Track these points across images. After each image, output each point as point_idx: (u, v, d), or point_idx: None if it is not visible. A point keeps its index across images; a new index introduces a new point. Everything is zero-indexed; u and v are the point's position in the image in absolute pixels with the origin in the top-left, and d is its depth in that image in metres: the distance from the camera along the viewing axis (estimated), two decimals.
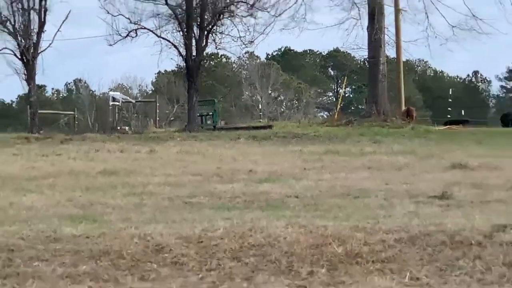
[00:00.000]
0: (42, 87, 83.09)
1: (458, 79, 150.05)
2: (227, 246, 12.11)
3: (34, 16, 65.83)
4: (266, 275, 11.05)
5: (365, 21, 63.03)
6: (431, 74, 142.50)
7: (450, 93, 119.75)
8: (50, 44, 66.45)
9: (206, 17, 63.11)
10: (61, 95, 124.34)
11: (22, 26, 65.72)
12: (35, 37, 65.73)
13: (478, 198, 16.96)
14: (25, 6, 65.52)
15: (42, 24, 66.05)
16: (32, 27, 65.80)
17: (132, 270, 11.23)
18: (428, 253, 11.87)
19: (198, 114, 63.86)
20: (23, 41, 65.55)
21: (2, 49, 65.32)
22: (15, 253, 11.78)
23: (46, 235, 12.67)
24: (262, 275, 11.10)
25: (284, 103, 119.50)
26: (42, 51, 66.31)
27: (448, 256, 11.72)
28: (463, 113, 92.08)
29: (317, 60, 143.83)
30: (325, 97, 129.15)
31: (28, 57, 65.47)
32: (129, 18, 63.87)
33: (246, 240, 12.30)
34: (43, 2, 66.16)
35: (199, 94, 66.11)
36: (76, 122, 73.32)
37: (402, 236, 12.37)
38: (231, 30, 66.62)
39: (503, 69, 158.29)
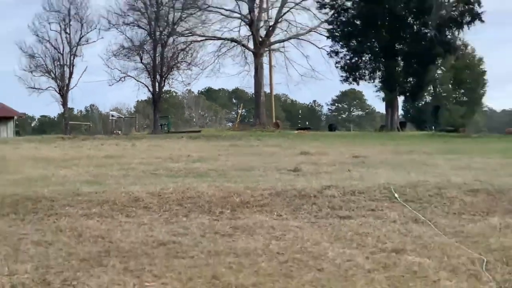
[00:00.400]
0: (71, 109, 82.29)
1: (305, 104, 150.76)
2: (174, 197, 12.13)
3: (66, 69, 65.21)
4: (196, 214, 11.11)
5: (252, 72, 62.79)
6: (290, 102, 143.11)
7: (300, 112, 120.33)
8: (75, 85, 66.12)
9: (164, 70, 62.67)
10: (82, 113, 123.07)
11: (60, 74, 65.04)
12: (67, 81, 65.16)
13: (315, 171, 17.03)
14: (61, 63, 64.92)
15: (70, 74, 65.56)
16: (65, 75, 65.07)
17: (122, 211, 11.25)
18: (286, 201, 11.93)
19: (159, 124, 63.59)
20: (60, 83, 65.00)
21: (48, 87, 65.03)
22: (55, 202, 11.76)
23: (73, 191, 12.61)
24: (194, 213, 11.15)
25: (207, 118, 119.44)
26: (71, 89, 65.87)
27: (297, 203, 11.79)
28: (307, 123, 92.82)
29: (226, 94, 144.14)
30: (230, 115, 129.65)
31: (63, 92, 65.04)
32: (120, 70, 63.33)
33: (185, 194, 12.31)
34: (72, 61, 65.55)
35: (160, 113, 66.01)
36: (90, 129, 72.42)
37: (272, 192, 12.42)
38: (178, 77, 66.29)
39: (329, 99, 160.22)
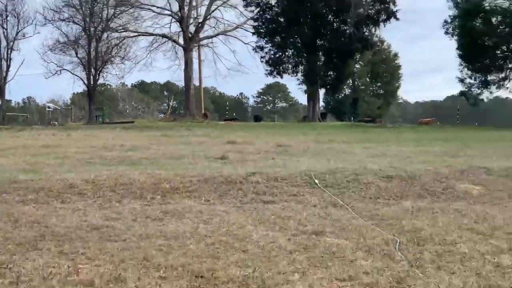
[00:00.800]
0: (8, 101, 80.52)
1: (232, 97, 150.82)
2: (108, 184, 12.01)
3: (4, 62, 63.99)
4: (128, 199, 11.03)
5: (182, 67, 62.55)
6: (218, 94, 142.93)
7: (227, 104, 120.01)
8: (13, 78, 64.83)
9: (98, 64, 62.02)
10: (20, 105, 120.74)
11: None
12: (4, 74, 64.00)
13: (241, 159, 17.04)
14: None
15: (8, 67, 64.25)
16: (2, 68, 63.86)
17: (57, 198, 11.11)
18: (214, 187, 11.92)
19: (94, 115, 62.87)
20: None
21: None
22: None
23: (9, 179, 12.39)
24: (126, 199, 11.07)
25: (140, 110, 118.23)
26: (8, 81, 64.60)
27: (224, 189, 11.80)
28: (234, 115, 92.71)
29: (158, 87, 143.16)
30: (162, 107, 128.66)
31: (0, 84, 63.79)
32: (56, 64, 62.42)
33: (118, 181, 12.20)
34: (9, 55, 64.34)
35: (94, 104, 65.20)
36: (28, 120, 71.19)
37: (200, 178, 12.39)
38: (112, 70, 65.64)
39: (255, 91, 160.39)
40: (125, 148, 21.66)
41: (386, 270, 7.42)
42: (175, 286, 6.77)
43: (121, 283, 6.85)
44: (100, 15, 62.10)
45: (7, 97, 69.29)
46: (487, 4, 56.73)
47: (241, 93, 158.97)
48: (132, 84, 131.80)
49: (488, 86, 58.86)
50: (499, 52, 56.94)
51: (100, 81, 66.25)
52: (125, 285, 6.80)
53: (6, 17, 64.61)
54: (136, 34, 64.10)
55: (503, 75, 57.88)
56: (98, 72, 62.89)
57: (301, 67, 61.18)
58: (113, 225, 9.24)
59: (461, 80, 58.98)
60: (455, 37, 57.74)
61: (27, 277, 7.03)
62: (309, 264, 7.59)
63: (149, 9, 63.07)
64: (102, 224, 9.26)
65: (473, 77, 58.19)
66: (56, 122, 59.87)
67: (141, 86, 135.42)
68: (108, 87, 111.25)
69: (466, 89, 59.23)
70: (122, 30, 63.25)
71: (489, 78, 58.11)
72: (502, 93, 61.33)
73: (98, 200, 10.97)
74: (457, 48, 57.71)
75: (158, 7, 63.14)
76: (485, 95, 60.17)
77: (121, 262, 7.52)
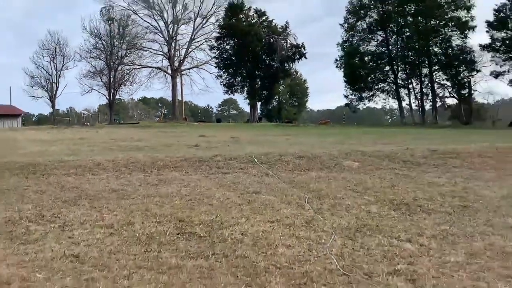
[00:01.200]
0: (57, 109, 78.78)
1: (202, 107, 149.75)
2: (122, 163, 11.70)
3: (54, 85, 62.88)
4: (136, 172, 10.87)
5: (170, 88, 62.28)
6: (193, 105, 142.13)
7: (199, 112, 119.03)
8: (60, 95, 63.28)
9: (115, 86, 61.51)
10: (65, 112, 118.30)
11: (50, 88, 62.52)
12: (55, 92, 62.78)
13: (208, 146, 16.88)
14: (51, 81, 62.50)
15: (57, 88, 62.52)
16: (54, 89, 62.77)
17: (89, 171, 10.88)
18: (191, 164, 11.76)
19: (113, 119, 61.96)
20: (50, 93, 62.39)
21: (42, 96, 62.84)
22: (47, 166, 11.25)
23: (58, 160, 12.12)
24: (134, 172, 10.90)
25: (143, 115, 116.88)
26: (57, 97, 63.06)
27: (197, 165, 11.61)
28: (204, 118, 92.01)
29: (155, 100, 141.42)
30: (157, 113, 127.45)
31: (53, 99, 62.29)
32: (88, 85, 61.46)
33: (129, 160, 11.95)
34: (58, 80, 63.28)
35: (113, 112, 64.11)
36: (70, 122, 69.85)
37: (182, 158, 12.21)
38: (124, 90, 65.19)
39: (217, 103, 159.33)
40: (133, 140, 21.35)
41: (299, 215, 7.47)
42: (166, 227, 6.72)
43: (131, 226, 6.80)
44: (117, 54, 61.18)
45: (56, 107, 67.75)
46: (361, 49, 57.43)
47: (208, 104, 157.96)
48: (137, 98, 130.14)
49: (362, 100, 59.54)
50: (369, 79, 57.58)
51: (117, 97, 65.07)
52: (133, 227, 6.73)
53: (56, 55, 63.51)
54: (140, 66, 63.43)
55: (371, 93, 58.55)
56: (115, 91, 61.87)
57: (245, 88, 61.11)
58: (125, 189, 9.13)
59: (346, 96, 59.56)
60: (342, 69, 58.20)
61: (69, 222, 6.97)
62: (251, 212, 7.59)
63: (149, 50, 63.17)
64: (118, 188, 9.15)
65: (353, 94, 58.72)
66: (88, 123, 58.82)
67: (144, 100, 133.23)
68: (122, 100, 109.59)
69: (349, 102, 59.74)
70: (131, 64, 62.63)
71: (363, 95, 58.70)
72: (371, 105, 61.81)
73: (116, 173, 10.79)
74: (343, 76, 58.20)
75: (154, 50, 63.25)
76: (361, 106, 61.11)
77: (130, 212, 7.46)
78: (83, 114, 75.01)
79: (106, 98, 62.45)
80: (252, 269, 5.25)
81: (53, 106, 65.63)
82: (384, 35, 57.33)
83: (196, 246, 5.99)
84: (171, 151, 14.85)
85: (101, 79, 61.53)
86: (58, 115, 69.83)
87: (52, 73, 63.99)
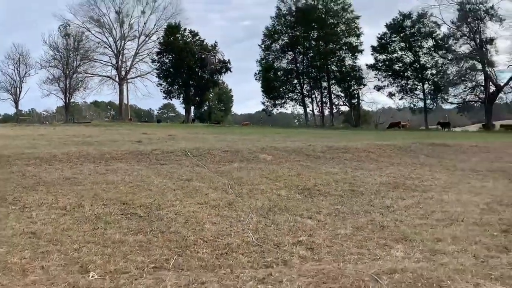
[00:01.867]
0: (20, 110, 74.95)
1: (145, 109, 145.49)
2: (75, 155, 11.26)
3: (17, 89, 59.57)
4: (87, 163, 10.45)
5: (118, 93, 60.46)
6: (137, 108, 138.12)
7: (142, 113, 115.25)
8: (23, 97, 60.04)
9: (71, 90, 58.98)
10: (27, 112, 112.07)
11: (14, 92, 59.32)
12: (18, 95, 59.39)
13: (149, 142, 16.32)
14: (15, 86, 59.27)
15: (20, 91, 59.23)
16: (17, 93, 59.46)
17: (46, 162, 10.31)
18: (134, 156, 11.45)
19: (69, 118, 59.20)
20: (14, 97, 59.23)
21: (7, 98, 59.38)
22: (10, 158, 10.58)
23: (20, 152, 11.44)
24: (85, 163, 10.49)
25: (94, 116, 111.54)
26: (20, 99, 59.76)
27: (140, 157, 11.33)
28: (146, 119, 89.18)
29: (104, 104, 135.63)
30: (107, 114, 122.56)
31: (16, 101, 59.04)
32: (47, 90, 58.54)
33: (81, 153, 11.46)
34: (21, 85, 59.89)
35: (69, 113, 61.18)
36: (31, 120, 66.19)
37: (127, 151, 11.86)
38: (79, 94, 62.44)
39: (157, 107, 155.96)
40: (85, 136, 20.48)
41: (223, 198, 7.46)
42: (111, 209, 6.54)
43: (81, 208, 6.56)
44: (72, 64, 58.71)
45: (20, 108, 64.26)
46: (275, 65, 58.11)
47: (150, 108, 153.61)
48: (90, 102, 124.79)
49: (276, 106, 60.10)
50: (281, 89, 58.22)
51: (72, 100, 62.26)
52: (83, 209, 6.51)
53: (19, 64, 60.55)
54: (92, 75, 60.67)
55: (283, 101, 59.21)
56: (71, 95, 59.38)
57: (182, 95, 60.16)
58: (77, 177, 8.77)
59: (263, 103, 59.95)
60: (260, 81, 58.66)
61: (29, 205, 6.64)
62: (184, 196, 7.52)
63: (100, 61, 60.83)
64: (71, 176, 8.78)
65: (269, 102, 59.14)
66: (47, 122, 55.92)
67: (95, 103, 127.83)
68: (77, 103, 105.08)
69: (265, 107, 60.18)
70: (84, 73, 60.03)
71: (276, 102, 59.24)
72: (283, 110, 62.40)
73: (69, 164, 10.31)
74: (261, 87, 58.57)
75: (104, 61, 61.21)
76: (275, 111, 61.35)
77: (81, 196, 7.19)
78: (43, 114, 71.45)
79: (63, 101, 59.73)
80: (183, 242, 5.21)
81: (16, 107, 62.62)
82: (293, 55, 58.27)
83: (137, 224, 5.87)
84: (118, 145, 14.41)
85: (59, 85, 58.87)
86: (21, 114, 65.94)
87: (16, 79, 61.15)
